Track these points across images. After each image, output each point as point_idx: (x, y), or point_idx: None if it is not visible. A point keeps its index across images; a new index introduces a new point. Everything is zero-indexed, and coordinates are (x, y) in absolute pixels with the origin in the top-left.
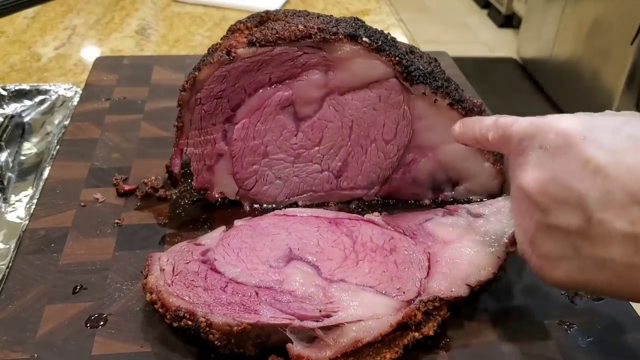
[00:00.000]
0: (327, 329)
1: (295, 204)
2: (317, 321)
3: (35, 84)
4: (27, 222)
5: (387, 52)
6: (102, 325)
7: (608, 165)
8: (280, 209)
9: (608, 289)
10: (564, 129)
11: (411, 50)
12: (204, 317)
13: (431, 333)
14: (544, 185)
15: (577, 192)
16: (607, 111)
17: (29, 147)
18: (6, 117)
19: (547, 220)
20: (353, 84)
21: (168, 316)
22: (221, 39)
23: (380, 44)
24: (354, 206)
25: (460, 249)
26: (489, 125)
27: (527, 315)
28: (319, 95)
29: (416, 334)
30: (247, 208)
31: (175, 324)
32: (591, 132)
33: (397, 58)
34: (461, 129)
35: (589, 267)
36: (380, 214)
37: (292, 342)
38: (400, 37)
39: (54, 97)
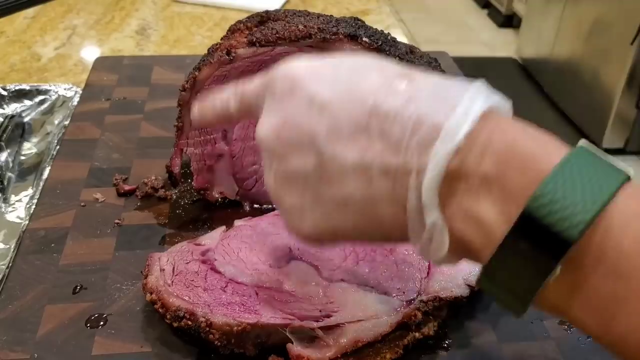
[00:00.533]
0: (327, 328)
1: None
2: (317, 321)
3: (35, 84)
4: (27, 222)
5: (387, 52)
6: (102, 325)
7: (332, 99)
8: None
9: (359, 233)
10: (288, 71)
11: (411, 50)
12: (204, 317)
13: (431, 333)
14: (276, 131)
15: (307, 130)
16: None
17: (29, 147)
18: (6, 117)
19: (284, 168)
20: None
21: (168, 316)
22: (221, 39)
23: (380, 44)
24: None
25: None
26: (228, 95)
27: (527, 315)
28: None
29: (416, 334)
30: (247, 208)
31: (175, 324)
32: (314, 69)
33: (397, 58)
34: (199, 110)
35: (333, 212)
36: None
37: (292, 342)
38: (401, 37)
39: (54, 97)
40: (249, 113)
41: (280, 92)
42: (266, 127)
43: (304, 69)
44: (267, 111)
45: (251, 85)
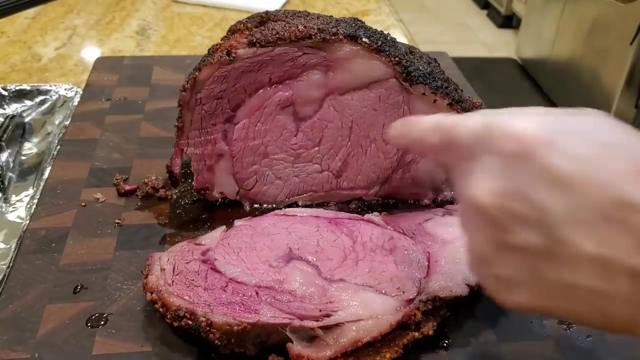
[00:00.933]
0: (327, 328)
1: (295, 204)
2: (317, 321)
3: (36, 84)
4: (27, 222)
5: (387, 53)
6: (102, 325)
7: (575, 177)
8: (280, 209)
9: (575, 316)
10: (524, 133)
11: (411, 50)
12: (204, 317)
13: (431, 333)
14: (501, 198)
15: (539, 207)
16: (566, 109)
17: (30, 147)
18: (7, 117)
19: (504, 239)
20: (353, 84)
21: (168, 316)
22: (221, 39)
23: (380, 45)
24: (354, 206)
25: (459, 248)
26: (432, 126)
27: (527, 315)
28: (319, 96)
29: (416, 334)
30: (247, 208)
31: (175, 324)
32: (556, 136)
33: (396, 58)
34: (399, 130)
35: (553, 293)
36: (380, 214)
37: (292, 342)
38: (400, 38)
39: (54, 98)
40: (452, 153)
41: (507, 154)
42: (487, 190)
43: (543, 132)
44: (489, 171)
45: (464, 128)
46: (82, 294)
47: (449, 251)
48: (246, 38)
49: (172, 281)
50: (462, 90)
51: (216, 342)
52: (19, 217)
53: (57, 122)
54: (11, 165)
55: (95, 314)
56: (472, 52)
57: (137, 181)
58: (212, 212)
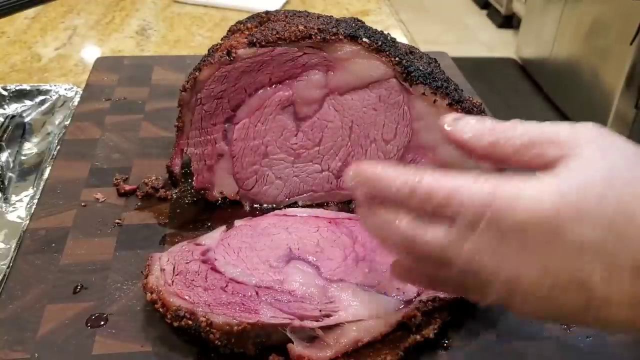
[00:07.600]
0: (328, 328)
1: (295, 204)
2: (317, 321)
3: (36, 84)
4: (27, 222)
5: (387, 53)
6: (102, 325)
7: (605, 242)
8: (280, 209)
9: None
10: (540, 214)
11: (411, 50)
12: (205, 317)
13: (432, 335)
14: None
15: (578, 277)
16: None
17: (30, 147)
18: (7, 117)
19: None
20: (353, 84)
21: (168, 316)
22: (221, 39)
23: (380, 45)
24: (354, 206)
25: None
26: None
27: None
28: (319, 96)
29: (417, 337)
30: (247, 208)
31: (175, 324)
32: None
33: (397, 58)
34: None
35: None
36: None
37: (292, 342)
38: (400, 38)
39: (54, 98)
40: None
41: (533, 241)
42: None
43: (557, 207)
44: (503, 258)
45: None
46: (82, 294)
47: None
48: (246, 38)
49: (172, 281)
50: (462, 90)
51: (216, 342)
52: (18, 217)
53: (57, 122)
54: (11, 165)
55: (95, 314)
56: (472, 52)
57: (137, 181)
58: (212, 212)
